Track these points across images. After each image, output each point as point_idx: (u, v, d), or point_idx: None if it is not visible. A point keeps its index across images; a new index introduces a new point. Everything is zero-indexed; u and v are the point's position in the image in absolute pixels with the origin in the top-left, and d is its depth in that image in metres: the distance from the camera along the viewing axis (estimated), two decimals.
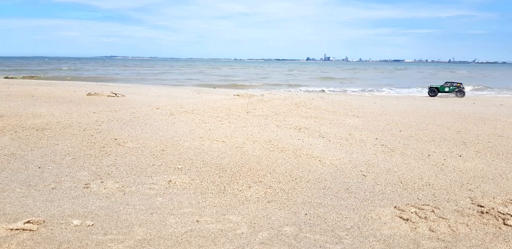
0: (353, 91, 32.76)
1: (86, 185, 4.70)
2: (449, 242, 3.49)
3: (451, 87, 25.55)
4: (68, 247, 3.13)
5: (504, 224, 3.86)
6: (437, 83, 28.58)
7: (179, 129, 8.49)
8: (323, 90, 31.94)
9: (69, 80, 34.53)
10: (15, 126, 8.04)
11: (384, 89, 35.71)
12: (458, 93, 25.33)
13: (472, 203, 4.47)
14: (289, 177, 5.36)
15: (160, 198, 4.38)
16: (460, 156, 6.87)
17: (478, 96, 27.44)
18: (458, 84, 25.75)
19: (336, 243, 3.41)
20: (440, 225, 3.83)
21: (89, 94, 15.07)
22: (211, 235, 3.48)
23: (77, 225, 3.52)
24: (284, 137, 8.10)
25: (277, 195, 4.64)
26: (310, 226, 3.75)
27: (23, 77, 37.65)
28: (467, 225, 3.85)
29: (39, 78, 37.37)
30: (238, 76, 59.84)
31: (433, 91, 25.67)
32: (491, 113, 13.76)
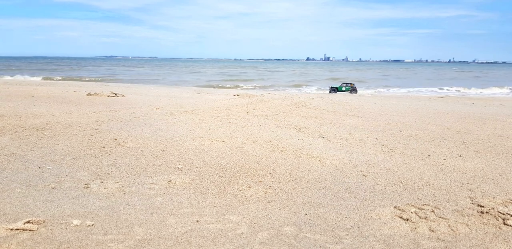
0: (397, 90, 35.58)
1: (86, 185, 4.70)
2: (449, 242, 3.49)
3: (346, 87, 31.32)
4: (68, 247, 3.13)
5: (504, 224, 3.86)
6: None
7: (179, 129, 8.49)
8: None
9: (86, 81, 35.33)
10: (15, 126, 8.04)
11: (420, 88, 39.54)
12: (352, 91, 30.84)
13: (472, 203, 4.47)
14: (289, 177, 5.36)
15: (160, 198, 4.38)
16: (460, 156, 6.86)
17: None
18: (351, 84, 31.81)
19: (336, 243, 3.41)
20: (440, 225, 3.83)
21: (89, 94, 15.07)
22: (211, 235, 3.48)
23: (77, 225, 3.52)
24: (284, 137, 8.10)
25: (277, 195, 4.64)
26: (310, 226, 3.75)
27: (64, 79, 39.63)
28: (467, 225, 3.85)
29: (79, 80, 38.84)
30: (239, 76, 59.76)
31: (334, 90, 31.32)
32: (491, 113, 13.76)
